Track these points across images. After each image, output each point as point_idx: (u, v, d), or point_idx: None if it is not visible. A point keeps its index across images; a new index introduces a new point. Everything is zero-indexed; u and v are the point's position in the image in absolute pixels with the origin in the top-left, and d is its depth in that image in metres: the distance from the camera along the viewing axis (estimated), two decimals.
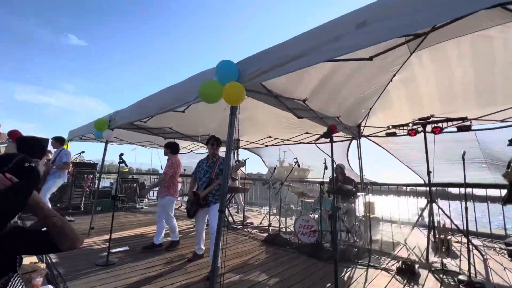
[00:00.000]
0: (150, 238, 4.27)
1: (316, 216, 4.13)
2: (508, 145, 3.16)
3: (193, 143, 8.15)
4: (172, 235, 3.91)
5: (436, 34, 2.91)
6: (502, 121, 3.96)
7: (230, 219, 5.79)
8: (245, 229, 5.23)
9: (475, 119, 4.03)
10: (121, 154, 3.27)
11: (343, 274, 2.97)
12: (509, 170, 3.09)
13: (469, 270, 2.77)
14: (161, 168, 12.28)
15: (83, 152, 6.12)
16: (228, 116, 2.42)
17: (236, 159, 7.09)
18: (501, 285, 2.75)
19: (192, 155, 9.34)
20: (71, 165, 4.79)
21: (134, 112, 4.25)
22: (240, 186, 6.38)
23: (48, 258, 3.10)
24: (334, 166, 1.70)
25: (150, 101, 3.91)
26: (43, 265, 2.44)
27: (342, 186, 4.29)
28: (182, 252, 3.63)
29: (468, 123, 3.94)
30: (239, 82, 2.30)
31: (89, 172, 7.18)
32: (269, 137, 6.64)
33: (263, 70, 2.17)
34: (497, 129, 4.09)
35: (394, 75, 3.97)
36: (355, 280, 2.78)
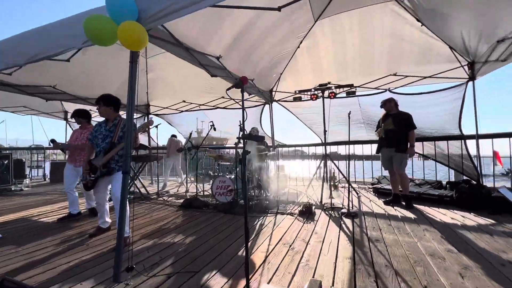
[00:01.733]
0: (37, 222, 3.51)
1: (233, 176, 4.31)
2: (381, 106, 4.00)
3: (91, 109, 6.83)
4: (71, 208, 3.58)
5: (336, 2, 3.23)
6: (375, 88, 4.96)
7: (143, 190, 5.36)
8: (160, 198, 4.99)
9: (359, 86, 4.90)
10: None
11: (255, 222, 3.28)
12: (380, 128, 3.96)
13: (348, 205, 3.55)
14: (50, 144, 9.86)
15: None
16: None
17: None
18: (366, 211, 3.65)
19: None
20: None
21: None
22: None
23: None
24: (246, 117, 1.72)
25: (18, 43, 2.88)
26: None
27: (252, 134, 4.52)
28: (84, 229, 3.15)
29: (354, 89, 4.75)
30: (138, 22, 1.94)
31: None
32: (184, 101, 6.25)
33: (169, 10, 1.89)
34: (372, 95, 5.11)
35: (301, 41, 4.28)
36: (265, 226, 3.12)
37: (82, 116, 3.68)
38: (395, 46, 4.19)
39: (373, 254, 2.25)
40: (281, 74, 5.10)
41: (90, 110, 6.82)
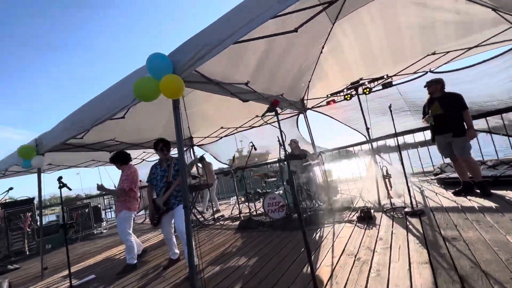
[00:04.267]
0: (120, 260, 3.97)
1: (281, 191, 4.34)
2: (424, 86, 3.68)
3: (144, 151, 7.65)
4: (128, 256, 3.41)
5: (349, 1, 3.20)
6: (414, 73, 4.62)
7: (200, 217, 5.69)
8: (217, 223, 5.23)
9: (394, 75, 4.62)
10: (60, 178, 2.91)
11: (313, 236, 3.22)
12: (428, 115, 3.62)
13: (411, 202, 3.27)
14: (114, 186, 11.23)
15: (11, 189, 5.25)
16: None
17: (200, 159, 6.85)
18: (435, 207, 3.31)
19: (144, 164, 8.75)
20: None
21: (66, 129, 3.76)
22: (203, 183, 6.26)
23: None
24: (284, 137, 1.79)
25: (82, 113, 3.49)
26: None
27: (292, 153, 4.52)
28: (157, 262, 3.47)
29: (389, 80, 4.49)
30: (175, 74, 2.21)
31: (26, 210, 6.22)
32: (222, 128, 6.60)
33: (197, 57, 2.12)
34: (412, 80, 4.76)
35: (323, 47, 4.27)
36: (325, 238, 3.05)
37: (115, 161, 3.70)
38: (426, 24, 3.88)
39: (453, 255, 2.03)
40: (309, 82, 5.10)
41: (144, 152, 7.64)
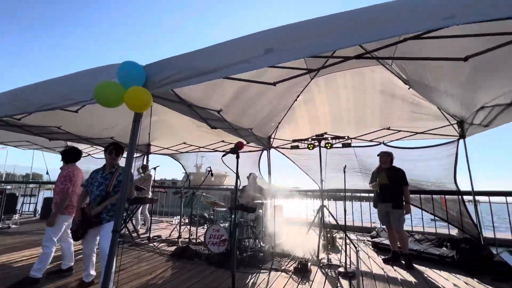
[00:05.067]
0: (19, 270, 3.32)
1: (227, 225, 4.20)
2: (378, 155, 4.08)
3: (92, 146, 6.96)
4: (35, 266, 2.91)
5: (328, 69, 3.51)
6: (370, 140, 5.12)
7: (134, 234, 5.19)
8: (151, 243, 4.80)
9: (354, 138, 5.06)
10: None
11: (248, 280, 3.11)
12: (375, 182, 3.99)
13: (345, 262, 3.41)
14: (47, 173, 9.78)
15: None
16: None
17: (142, 168, 6.35)
18: (365, 271, 3.48)
19: (90, 160, 7.93)
20: None
21: (4, 105, 3.27)
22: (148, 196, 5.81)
23: None
24: (239, 183, 1.77)
25: (29, 93, 3.07)
26: None
27: (248, 198, 4.51)
28: (66, 281, 2.98)
29: (349, 141, 4.89)
30: (145, 87, 2.11)
31: None
32: (184, 143, 6.39)
33: (174, 79, 2.06)
34: (368, 147, 5.25)
35: (298, 96, 4.55)
36: (258, 286, 2.96)
37: (67, 157, 3.35)
38: (386, 102, 4.43)
39: None
40: (279, 123, 5.31)
41: (92, 146, 6.97)
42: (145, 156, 7.36)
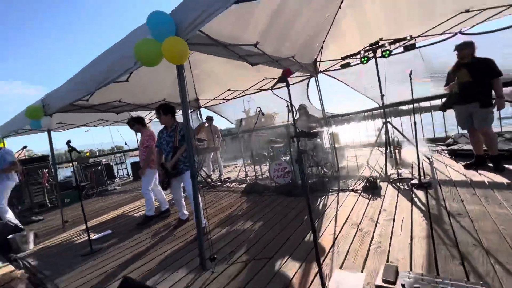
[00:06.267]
0: (132, 217, 4.24)
1: (287, 158, 4.35)
2: (455, 50, 3.33)
3: (151, 112, 7.61)
4: (146, 208, 3.77)
5: None
6: (441, 34, 4.16)
7: (208, 180, 5.89)
8: (224, 185, 5.40)
9: (419, 35, 4.18)
10: (68, 141, 2.93)
11: (318, 203, 3.30)
12: (453, 83, 3.35)
13: (419, 174, 3.24)
14: (126, 144, 11.52)
15: (25, 147, 5.43)
16: None
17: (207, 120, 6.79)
18: (443, 180, 3.28)
19: (153, 123, 8.80)
20: (18, 164, 4.25)
21: (70, 91, 3.70)
22: (209, 146, 6.31)
23: (25, 262, 2.96)
24: (294, 111, 1.68)
25: (85, 75, 3.38)
26: (19, 272, 2.33)
27: (305, 128, 4.43)
28: (168, 221, 3.69)
29: (413, 41, 4.08)
30: (178, 36, 2.02)
31: (43, 166, 6.52)
32: (229, 90, 6.38)
33: (203, 16, 1.91)
34: (438, 43, 4.31)
35: (342, 2, 3.81)
36: (329, 206, 3.12)
37: (134, 124, 3.90)
38: None
39: (456, 231, 2.05)
40: (323, 42, 4.69)
41: (150, 112, 7.63)
42: (197, 111, 7.75)
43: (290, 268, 1.96)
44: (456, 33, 4.05)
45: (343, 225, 2.52)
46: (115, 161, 10.44)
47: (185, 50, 1.97)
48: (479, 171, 3.31)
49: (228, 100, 7.17)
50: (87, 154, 10.16)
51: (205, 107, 7.86)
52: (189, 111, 7.18)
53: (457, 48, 3.31)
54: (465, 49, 3.25)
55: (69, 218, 4.67)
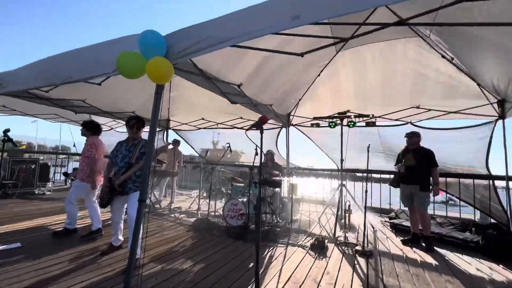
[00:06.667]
0: (53, 231, 3.62)
1: (245, 199, 4.28)
2: (406, 136, 3.86)
3: (114, 120, 7.17)
4: (66, 221, 3.51)
5: (356, 39, 3.25)
6: (396, 120, 4.84)
7: (156, 205, 5.45)
8: (172, 214, 5.03)
9: (379, 116, 4.81)
10: (7, 130, 2.57)
11: (265, 253, 3.20)
12: (401, 164, 3.82)
13: (363, 241, 3.39)
14: (74, 145, 10.39)
15: None
16: None
17: (167, 143, 6.58)
18: (383, 251, 3.46)
19: (112, 134, 8.22)
20: None
21: (31, 78, 3.35)
22: (168, 169, 5.99)
23: None
24: (263, 157, 1.73)
25: (54, 65, 3.13)
26: None
27: (269, 173, 4.51)
28: (97, 244, 3.22)
29: (373, 120, 4.66)
30: (166, 58, 2.05)
31: None
32: (203, 119, 6.40)
33: (195, 48, 1.98)
34: (393, 126, 4.99)
35: (322, 70, 4.31)
36: (275, 258, 3.03)
37: (88, 129, 3.63)
38: (419, 78, 4.10)
39: None
40: (300, 99, 5.12)
41: (114, 120, 7.19)
42: (165, 131, 7.51)
43: None
44: (407, 123, 4.76)
45: (286, 282, 2.44)
46: (55, 162, 9.26)
47: (169, 72, 1.98)
48: (414, 249, 3.58)
49: (199, 128, 7.14)
50: (23, 147, 8.89)
51: (173, 129, 7.66)
52: (158, 129, 6.90)
53: (407, 135, 3.86)
54: (413, 137, 3.80)
55: None
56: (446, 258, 3.27)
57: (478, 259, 3.28)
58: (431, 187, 3.64)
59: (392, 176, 5.69)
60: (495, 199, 4.12)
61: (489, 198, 4.17)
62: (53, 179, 8.70)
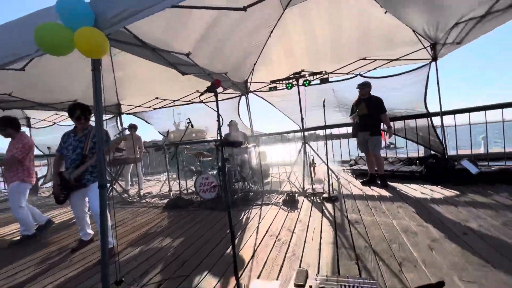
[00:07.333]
0: (9, 241, 3.31)
1: (215, 172, 4.31)
2: (358, 87, 4.11)
3: (56, 113, 6.39)
4: (21, 229, 3.25)
5: None
6: (347, 73, 5.09)
7: (124, 195, 5.23)
8: (143, 200, 4.89)
9: (331, 72, 4.99)
10: None
11: (242, 216, 3.34)
12: (355, 114, 4.10)
13: (328, 189, 3.72)
14: None
15: None
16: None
17: (121, 129, 6.12)
18: (346, 194, 3.85)
19: (55, 128, 7.37)
20: None
21: None
22: (129, 157, 5.68)
23: None
24: (221, 120, 1.71)
25: None
26: None
27: (228, 138, 4.51)
28: (64, 244, 3.04)
29: (326, 76, 4.83)
30: (96, 27, 1.81)
31: None
32: (157, 98, 6.02)
33: (128, 13, 1.78)
34: (345, 80, 5.24)
35: (272, 31, 4.23)
36: (251, 219, 3.20)
37: (5, 126, 3.13)
38: (363, 31, 4.28)
39: (354, 236, 2.40)
40: (254, 64, 5.04)
41: (56, 113, 6.42)
42: (118, 117, 6.95)
43: (209, 283, 1.88)
44: (357, 75, 5.03)
45: (263, 237, 2.62)
46: None
47: (103, 42, 1.76)
48: (372, 187, 4.04)
49: (155, 109, 6.73)
50: None
51: (129, 114, 7.13)
52: (108, 116, 6.40)
53: (359, 86, 4.11)
54: (364, 88, 4.06)
55: None
56: (398, 189, 3.76)
57: (422, 185, 3.84)
58: (382, 132, 4.03)
59: (350, 129, 6.20)
60: (434, 134, 4.73)
61: (428, 133, 4.76)
62: None
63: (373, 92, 4.17)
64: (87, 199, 2.85)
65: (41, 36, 1.69)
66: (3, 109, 4.77)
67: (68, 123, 7.22)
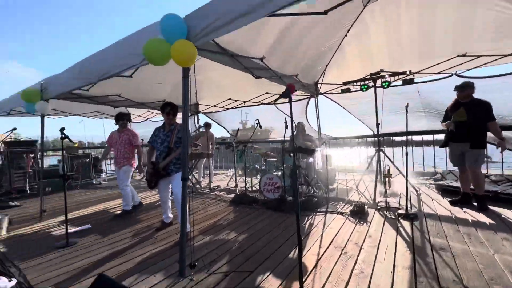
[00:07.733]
0: (114, 214, 4.11)
1: (279, 173, 4.35)
2: (455, 89, 3.40)
3: (149, 111, 7.59)
4: (123, 203, 3.99)
5: None
6: (438, 73, 4.36)
7: (197, 186, 5.82)
8: (212, 193, 5.34)
9: (418, 72, 4.37)
10: (62, 129, 2.89)
11: (305, 222, 3.28)
12: (450, 121, 3.47)
13: (406, 204, 3.28)
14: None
15: (15, 129, 5.30)
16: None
17: (198, 126, 6.82)
18: (428, 213, 3.32)
19: (147, 124, 8.74)
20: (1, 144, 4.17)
21: (72, 79, 3.68)
22: (203, 152, 6.28)
23: None
24: (294, 125, 1.72)
25: (90, 64, 3.39)
26: None
27: (301, 145, 4.49)
28: (151, 222, 3.60)
29: (411, 76, 4.26)
30: (188, 40, 2.07)
31: (29, 151, 6.34)
32: (229, 99, 6.45)
33: (216, 26, 1.97)
34: (435, 81, 4.51)
35: (349, 29, 3.98)
36: (315, 226, 3.10)
37: (124, 119, 4.04)
38: (465, 20, 3.55)
39: (438, 265, 2.06)
40: (327, 65, 4.85)
41: (148, 111, 7.60)
42: (195, 115, 7.77)
43: (272, 283, 1.92)
44: (452, 74, 4.26)
45: (327, 247, 2.51)
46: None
47: (193, 53, 2.01)
48: (464, 209, 3.37)
49: (227, 109, 7.23)
50: (76, 145, 9.93)
51: (203, 113, 7.89)
52: (189, 115, 7.18)
53: (458, 87, 3.39)
54: (466, 89, 3.34)
55: (47, 207, 4.50)
56: (503, 216, 3.04)
57: None
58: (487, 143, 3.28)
59: (435, 136, 5.30)
60: None
61: None
62: (105, 170, 9.71)
63: (475, 95, 3.43)
64: (170, 185, 3.30)
65: (148, 50, 2.03)
66: (114, 107, 5.95)
67: (158, 119, 8.46)
